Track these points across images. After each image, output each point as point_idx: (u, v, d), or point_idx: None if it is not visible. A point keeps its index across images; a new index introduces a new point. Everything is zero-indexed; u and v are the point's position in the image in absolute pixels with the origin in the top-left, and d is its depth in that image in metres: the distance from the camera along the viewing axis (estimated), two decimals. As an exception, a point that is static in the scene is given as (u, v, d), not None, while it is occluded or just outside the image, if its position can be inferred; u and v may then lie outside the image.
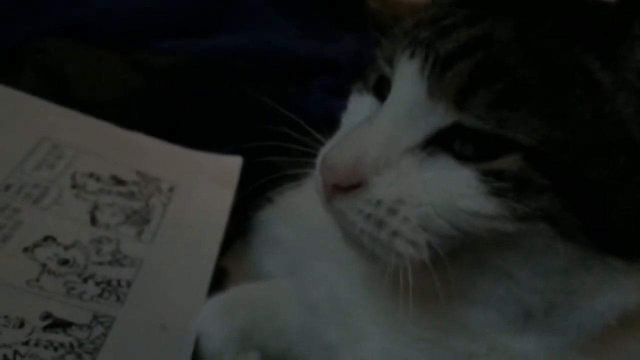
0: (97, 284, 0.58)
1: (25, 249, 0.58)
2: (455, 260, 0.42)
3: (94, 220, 0.65)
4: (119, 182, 0.71)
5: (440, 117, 0.41)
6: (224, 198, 0.74)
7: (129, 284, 0.59)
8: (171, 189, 0.73)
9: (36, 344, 0.50)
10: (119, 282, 0.59)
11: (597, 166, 0.39)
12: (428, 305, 0.44)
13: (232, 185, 0.75)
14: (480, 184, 0.39)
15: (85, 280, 0.58)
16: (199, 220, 0.70)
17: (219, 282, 0.64)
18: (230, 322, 0.56)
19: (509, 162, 0.39)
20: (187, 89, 0.91)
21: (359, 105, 0.50)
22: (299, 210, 0.62)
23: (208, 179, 0.76)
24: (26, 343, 0.50)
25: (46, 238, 0.60)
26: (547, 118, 0.38)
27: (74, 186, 0.68)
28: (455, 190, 0.40)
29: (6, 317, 0.51)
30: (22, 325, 0.51)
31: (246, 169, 0.77)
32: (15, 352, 0.49)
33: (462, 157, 0.40)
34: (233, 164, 0.78)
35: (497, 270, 0.42)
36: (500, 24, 0.41)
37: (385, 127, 0.42)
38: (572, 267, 0.41)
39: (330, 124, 0.54)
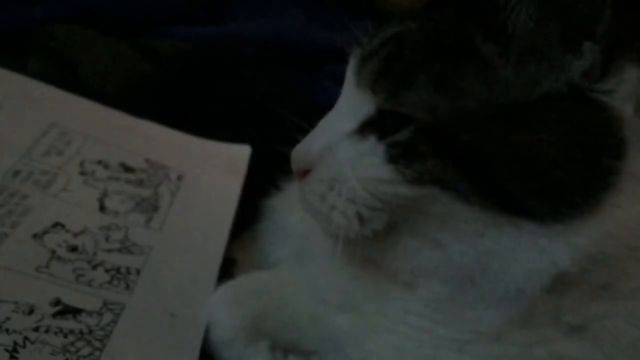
0: (107, 271, 0.58)
1: (35, 235, 0.58)
2: (394, 233, 0.48)
3: (102, 208, 0.65)
4: (128, 169, 0.71)
5: (368, 105, 0.47)
6: (232, 187, 0.73)
7: (138, 272, 0.59)
8: (180, 177, 0.73)
9: (46, 331, 0.50)
10: (128, 269, 0.59)
11: (478, 130, 0.43)
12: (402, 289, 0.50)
13: (240, 174, 0.75)
14: (382, 154, 0.45)
15: (94, 267, 0.58)
16: (207, 209, 0.70)
17: (227, 271, 0.64)
18: (241, 310, 0.56)
19: (404, 134, 0.44)
20: (195, 76, 0.90)
21: None
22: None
23: (217, 168, 0.76)
24: (36, 329, 0.50)
25: (55, 225, 0.60)
26: (435, 91, 0.43)
27: (82, 173, 0.68)
28: (368, 162, 0.46)
29: (16, 303, 0.51)
30: (31, 311, 0.51)
31: (255, 158, 0.77)
32: (25, 338, 0.49)
33: (383, 136, 0.46)
34: (242, 152, 0.78)
35: (427, 238, 0.47)
36: (418, 20, 0.47)
37: (331, 119, 0.50)
38: (486, 230, 0.44)
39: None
